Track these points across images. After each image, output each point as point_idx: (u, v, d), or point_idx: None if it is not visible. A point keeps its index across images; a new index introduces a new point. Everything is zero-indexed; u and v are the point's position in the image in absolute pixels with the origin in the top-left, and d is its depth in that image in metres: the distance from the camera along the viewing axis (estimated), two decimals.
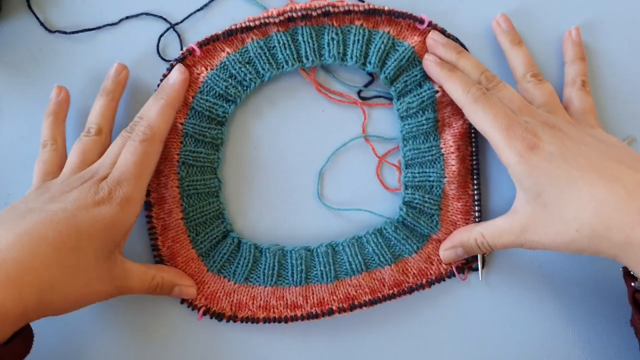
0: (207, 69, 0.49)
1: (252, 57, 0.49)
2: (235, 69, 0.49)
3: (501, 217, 0.44)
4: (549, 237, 0.41)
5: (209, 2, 0.51)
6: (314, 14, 0.48)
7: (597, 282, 0.51)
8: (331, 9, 0.48)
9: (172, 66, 0.49)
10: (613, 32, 0.52)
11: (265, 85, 0.51)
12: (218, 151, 0.49)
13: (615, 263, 0.41)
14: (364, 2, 0.51)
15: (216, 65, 0.49)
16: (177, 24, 0.52)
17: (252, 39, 0.49)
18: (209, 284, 0.49)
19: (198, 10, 0.52)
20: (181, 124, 0.48)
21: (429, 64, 0.48)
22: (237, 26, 0.49)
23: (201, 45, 0.49)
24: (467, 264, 0.50)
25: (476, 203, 0.49)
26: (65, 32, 0.51)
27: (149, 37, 0.51)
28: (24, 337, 0.38)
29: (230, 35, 0.49)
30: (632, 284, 0.42)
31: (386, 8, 0.49)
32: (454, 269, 0.49)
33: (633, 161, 0.41)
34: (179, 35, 0.51)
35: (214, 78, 0.49)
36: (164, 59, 0.51)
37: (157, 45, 0.51)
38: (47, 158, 0.46)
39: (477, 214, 0.50)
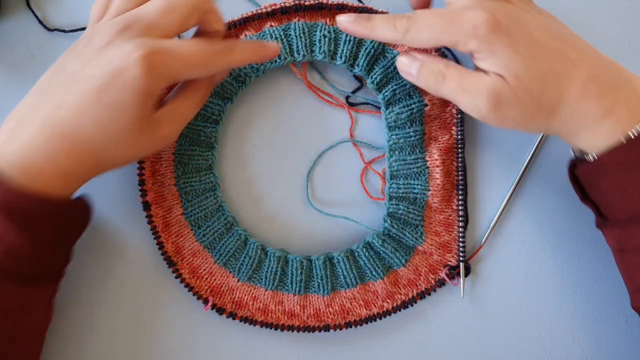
0: None
1: None
2: None
3: (470, 74, 0.43)
4: (510, 116, 0.42)
5: None
6: (307, 3, 0.49)
7: (587, 285, 0.51)
8: (324, 2, 0.49)
9: None
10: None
11: (259, 84, 0.51)
12: (213, 149, 0.49)
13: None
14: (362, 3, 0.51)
15: None
16: None
17: (246, 34, 0.50)
18: (216, 276, 0.49)
19: None
20: None
21: (346, 25, 0.44)
22: (230, 21, 0.49)
23: None
24: (455, 269, 0.50)
25: (460, 218, 0.50)
26: (64, 31, 0.51)
27: None
28: (86, 204, 0.45)
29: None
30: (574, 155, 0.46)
31: (380, 10, 0.49)
32: (444, 276, 0.50)
33: (568, 36, 0.43)
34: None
35: None
36: None
37: None
38: None
39: (460, 229, 0.50)
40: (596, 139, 0.42)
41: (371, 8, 0.50)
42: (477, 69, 0.43)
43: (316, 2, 0.49)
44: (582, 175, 0.45)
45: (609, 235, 0.45)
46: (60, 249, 0.44)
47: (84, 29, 0.51)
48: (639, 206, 0.42)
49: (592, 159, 0.43)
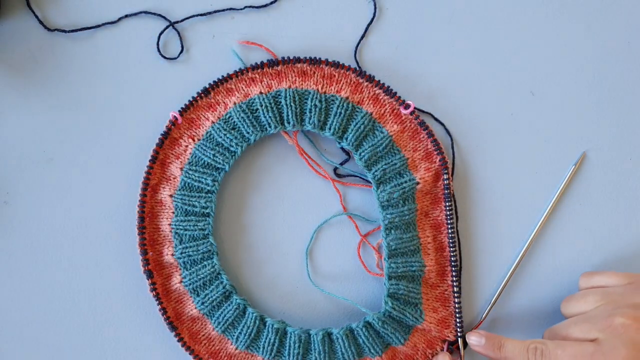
0: (194, 140, 0.50)
1: (236, 122, 0.49)
2: (221, 137, 0.49)
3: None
4: None
5: (213, 12, 0.52)
6: (302, 57, 0.49)
7: None
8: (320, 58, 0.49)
9: (156, 151, 0.49)
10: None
11: (252, 151, 0.51)
12: (209, 217, 0.49)
13: None
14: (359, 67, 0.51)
15: (202, 136, 0.50)
16: (176, 22, 0.51)
17: (235, 103, 0.49)
18: (214, 342, 0.50)
19: (200, 15, 0.52)
20: (171, 196, 0.49)
21: (477, 349, 0.47)
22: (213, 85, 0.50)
23: (182, 111, 0.50)
24: (454, 345, 0.50)
25: (456, 293, 0.49)
26: (64, 31, 0.51)
27: (148, 36, 0.52)
28: None
29: (207, 94, 0.50)
30: None
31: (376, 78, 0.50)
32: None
33: None
34: (178, 33, 0.51)
35: (202, 148, 0.49)
36: (165, 57, 0.51)
37: (157, 43, 0.51)
38: None
39: (456, 304, 0.49)
40: None
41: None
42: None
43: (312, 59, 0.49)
44: None
45: None
46: None
47: (84, 29, 0.51)
48: None
49: None
